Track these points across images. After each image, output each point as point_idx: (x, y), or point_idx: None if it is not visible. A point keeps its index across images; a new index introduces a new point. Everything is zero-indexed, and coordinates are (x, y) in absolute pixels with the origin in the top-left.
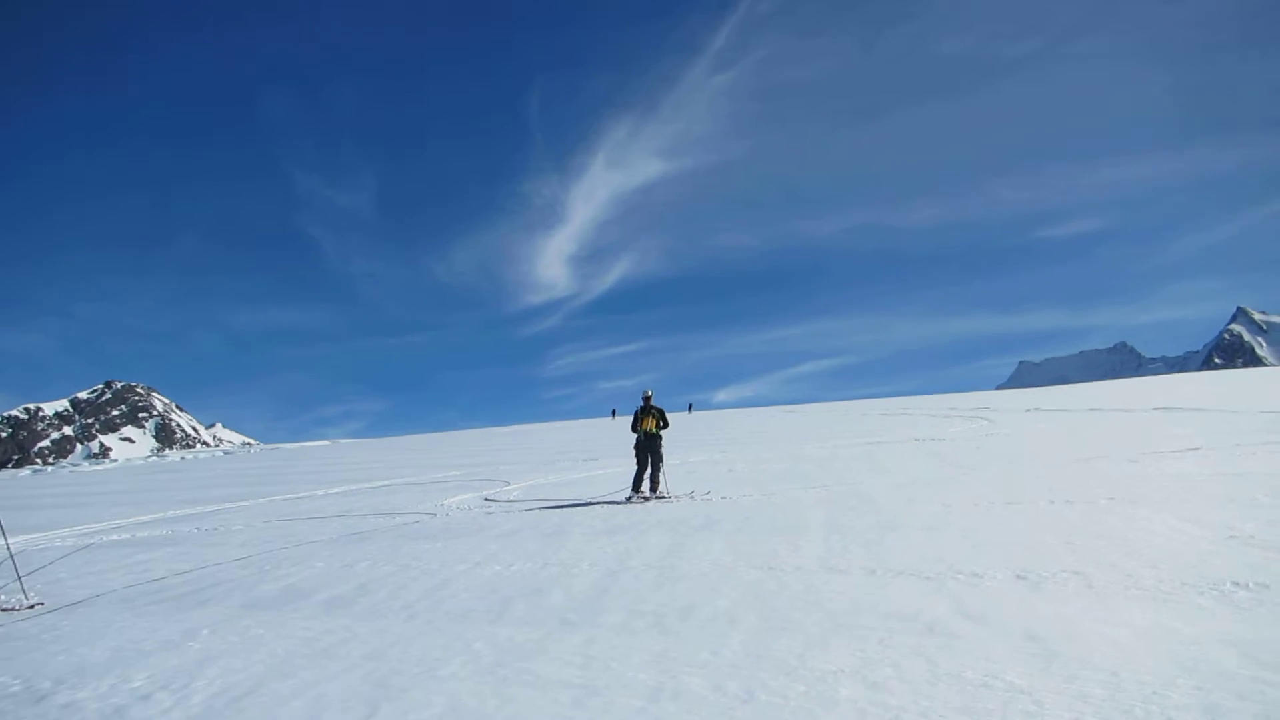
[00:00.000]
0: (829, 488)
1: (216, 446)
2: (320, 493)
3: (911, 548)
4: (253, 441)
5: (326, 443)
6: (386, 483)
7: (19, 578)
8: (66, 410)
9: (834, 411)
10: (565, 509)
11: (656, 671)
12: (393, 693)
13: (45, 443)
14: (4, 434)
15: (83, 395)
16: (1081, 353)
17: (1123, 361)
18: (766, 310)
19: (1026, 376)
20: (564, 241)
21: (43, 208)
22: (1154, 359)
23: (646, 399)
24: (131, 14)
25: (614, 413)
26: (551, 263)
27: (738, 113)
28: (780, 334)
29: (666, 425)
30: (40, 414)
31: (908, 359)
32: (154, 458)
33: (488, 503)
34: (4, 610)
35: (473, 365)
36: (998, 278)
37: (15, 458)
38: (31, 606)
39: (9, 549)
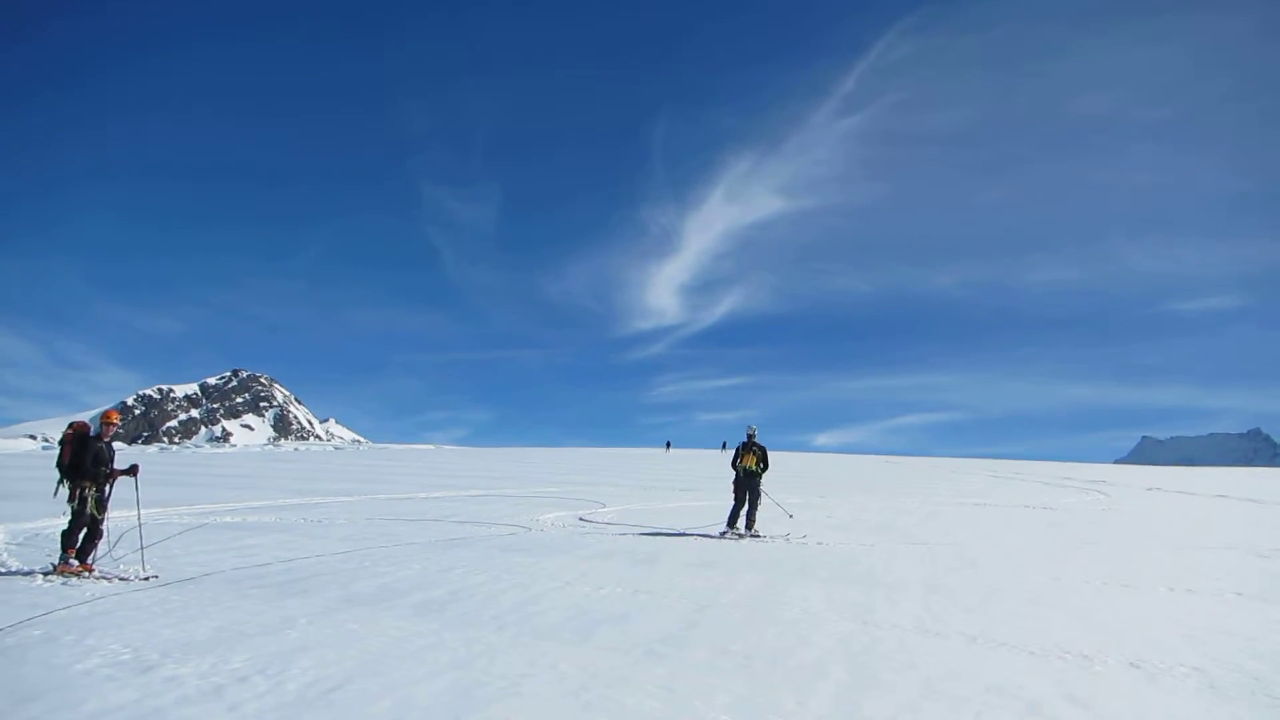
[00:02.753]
0: (930, 545)
1: (328, 441)
2: (421, 495)
3: (1016, 619)
4: (362, 439)
5: (431, 447)
6: (485, 492)
7: (141, 549)
8: (195, 394)
9: (939, 467)
10: (659, 537)
11: (740, 715)
12: (477, 704)
13: (173, 423)
14: (138, 410)
15: (211, 381)
16: (1212, 435)
17: (1256, 449)
18: (873, 357)
19: (1149, 453)
20: (676, 270)
21: (183, 203)
22: None
23: (750, 436)
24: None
25: (724, 445)
26: (662, 290)
27: (862, 156)
28: (886, 383)
29: (767, 466)
30: (171, 395)
31: (1019, 422)
32: (270, 446)
33: (582, 522)
34: (122, 579)
35: (577, 384)
36: (1122, 347)
37: (145, 434)
38: (147, 579)
39: (139, 520)
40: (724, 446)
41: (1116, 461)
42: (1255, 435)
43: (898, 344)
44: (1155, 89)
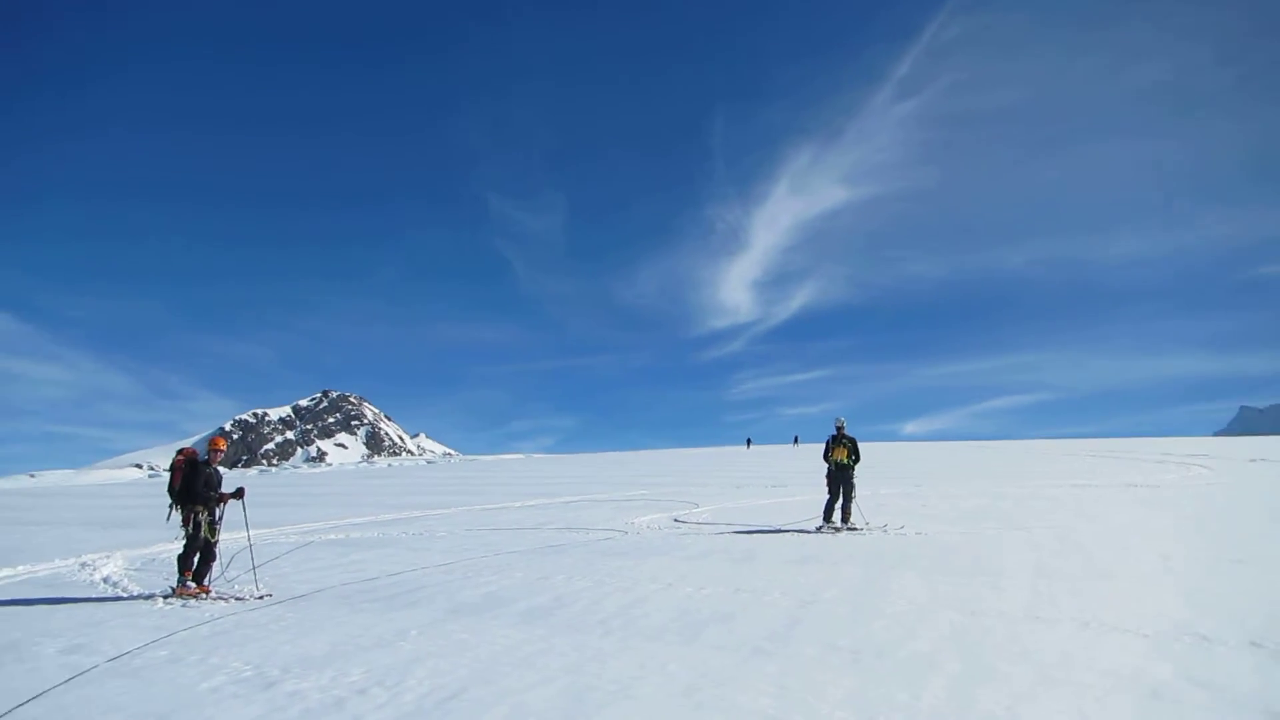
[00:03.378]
0: (1031, 530)
1: (420, 455)
2: (516, 504)
3: (1128, 601)
4: (453, 452)
5: (520, 456)
6: (577, 498)
7: (253, 568)
8: (289, 416)
9: (1032, 450)
10: (754, 534)
11: (854, 710)
12: (590, 709)
13: (270, 445)
14: (235, 435)
15: (303, 403)
16: None
17: None
18: (956, 341)
19: (1250, 423)
20: (747, 267)
21: (259, 227)
22: None
23: (839, 428)
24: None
25: (796, 439)
26: (735, 287)
27: (924, 140)
28: (970, 367)
29: (858, 457)
30: (266, 418)
31: (1110, 398)
32: (364, 464)
33: (677, 523)
34: (238, 599)
35: (656, 386)
36: (1212, 316)
37: (244, 458)
38: (261, 597)
39: (249, 541)
40: (795, 441)
41: (1216, 434)
42: None
43: (976, 327)
44: (1221, 50)
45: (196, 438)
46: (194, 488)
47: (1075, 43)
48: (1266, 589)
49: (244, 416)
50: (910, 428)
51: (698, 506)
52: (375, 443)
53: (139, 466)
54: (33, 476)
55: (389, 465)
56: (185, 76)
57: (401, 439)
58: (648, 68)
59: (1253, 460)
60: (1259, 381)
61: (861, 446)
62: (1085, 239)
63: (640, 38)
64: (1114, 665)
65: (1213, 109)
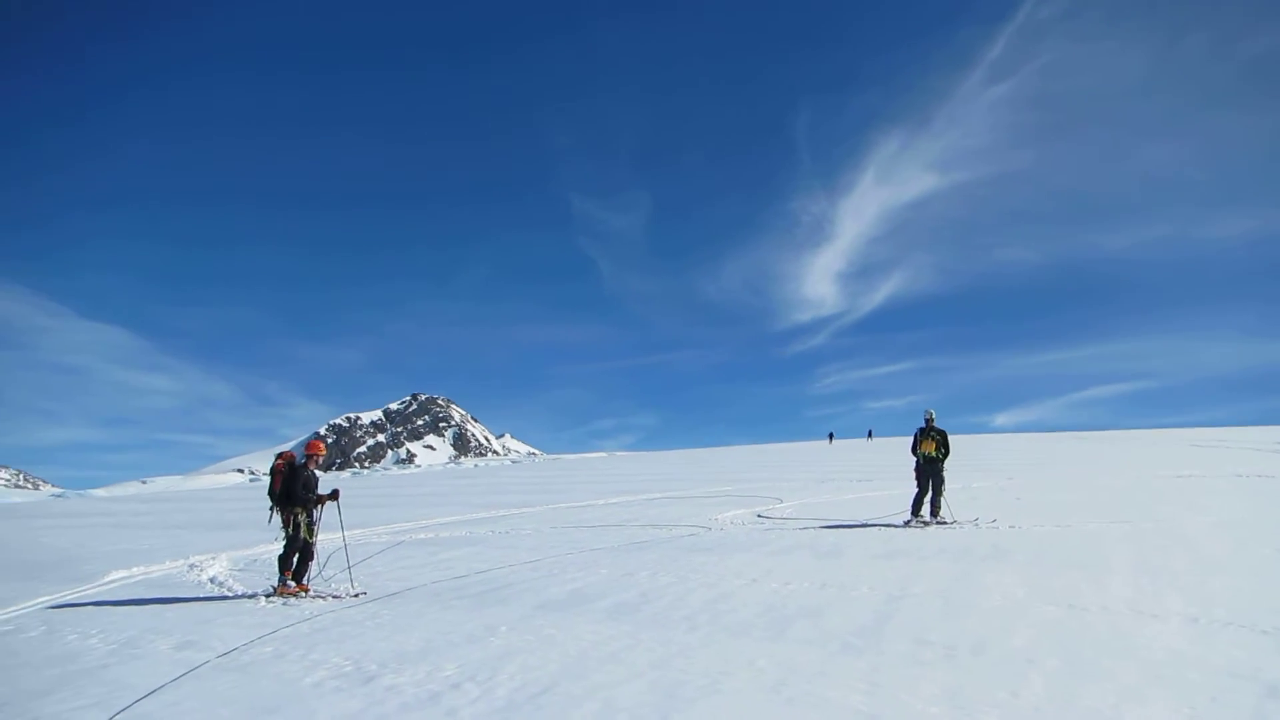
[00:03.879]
0: (1134, 523)
1: (505, 455)
2: (600, 502)
3: (1240, 595)
4: (537, 451)
5: (603, 454)
6: (660, 495)
7: (349, 567)
8: (380, 419)
9: (1133, 440)
10: (840, 529)
11: (949, 706)
12: (680, 704)
13: (362, 449)
14: (330, 439)
15: (393, 406)
16: None
17: None
18: (1050, 329)
19: None
20: (832, 258)
21: (348, 231)
22: None
23: (928, 421)
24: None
25: (870, 434)
26: (819, 280)
27: (1018, 123)
28: (1066, 355)
29: (948, 450)
30: (358, 422)
31: (1218, 386)
32: (452, 464)
33: (761, 519)
34: (334, 597)
35: (740, 381)
36: None
37: (338, 461)
38: (356, 595)
39: (345, 541)
40: (870, 435)
41: None
42: None
43: (1073, 314)
44: None
45: (294, 442)
46: (293, 490)
47: (1184, 12)
48: None
49: (338, 421)
50: (1001, 419)
51: (781, 502)
52: (462, 444)
53: (240, 471)
54: (144, 483)
55: (475, 466)
56: (277, 80)
57: (487, 439)
58: (731, 65)
59: None
60: None
61: (951, 439)
62: (1196, 218)
63: (723, 36)
64: (1228, 662)
65: None
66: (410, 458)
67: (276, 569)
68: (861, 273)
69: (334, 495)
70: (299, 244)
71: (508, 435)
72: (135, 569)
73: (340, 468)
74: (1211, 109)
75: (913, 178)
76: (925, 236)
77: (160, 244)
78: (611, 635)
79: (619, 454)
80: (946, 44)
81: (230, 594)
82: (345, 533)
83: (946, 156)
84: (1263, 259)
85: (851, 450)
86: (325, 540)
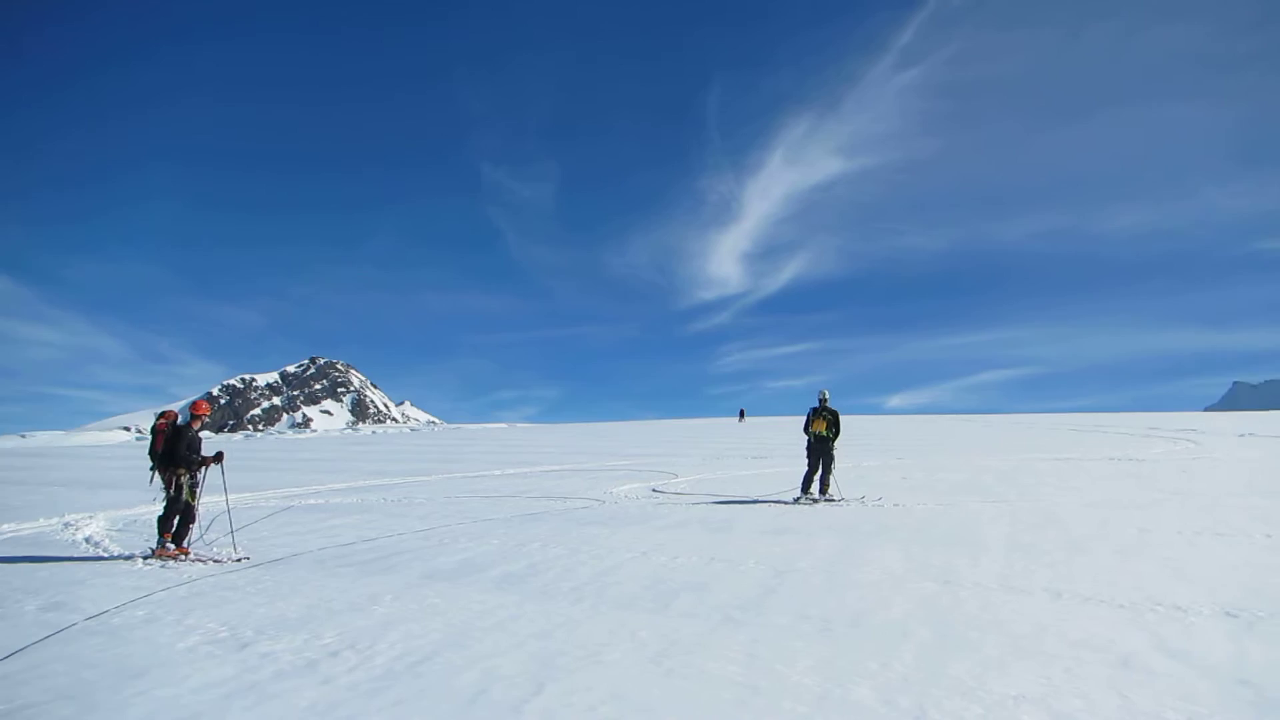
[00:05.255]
0: (1012, 503)
1: (404, 423)
2: (496, 473)
3: (1104, 573)
4: (437, 420)
5: (504, 425)
6: (558, 468)
7: (232, 531)
8: (276, 382)
9: (1018, 424)
10: (732, 505)
11: (822, 677)
12: (558, 673)
13: (256, 411)
14: (223, 400)
15: (290, 369)
16: None
17: None
18: (946, 315)
19: (1242, 399)
20: (738, 238)
21: (253, 193)
22: None
23: (822, 401)
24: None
25: (742, 413)
26: (725, 259)
27: (924, 110)
28: (960, 340)
29: (838, 430)
30: (254, 384)
31: (1101, 373)
32: (348, 430)
33: (655, 493)
34: (216, 561)
35: (643, 357)
36: (1209, 291)
37: (230, 423)
38: (239, 560)
39: (228, 504)
40: (741, 415)
41: (1207, 409)
42: None
43: (970, 301)
44: (1231, 22)
45: (184, 402)
46: (175, 451)
47: (1088, 8)
48: (1243, 561)
49: (232, 381)
50: (895, 401)
51: (676, 477)
52: (360, 410)
53: (127, 429)
54: (23, 437)
55: (373, 432)
56: (184, 43)
57: (386, 406)
58: (647, 38)
59: (1241, 435)
60: (1254, 356)
61: (845, 420)
62: (1086, 213)
63: (641, 8)
64: (1085, 635)
65: (1230, 79)
66: (306, 422)
67: (156, 531)
68: (767, 253)
69: (218, 458)
70: (201, 202)
71: (408, 403)
72: (5, 526)
73: (233, 430)
74: (1111, 102)
75: (820, 160)
76: (830, 220)
77: (48, 190)
78: (497, 605)
79: (520, 426)
80: (859, 27)
81: (106, 555)
82: (230, 496)
83: (854, 141)
84: (1148, 252)
85: (758, 428)
86: (209, 503)
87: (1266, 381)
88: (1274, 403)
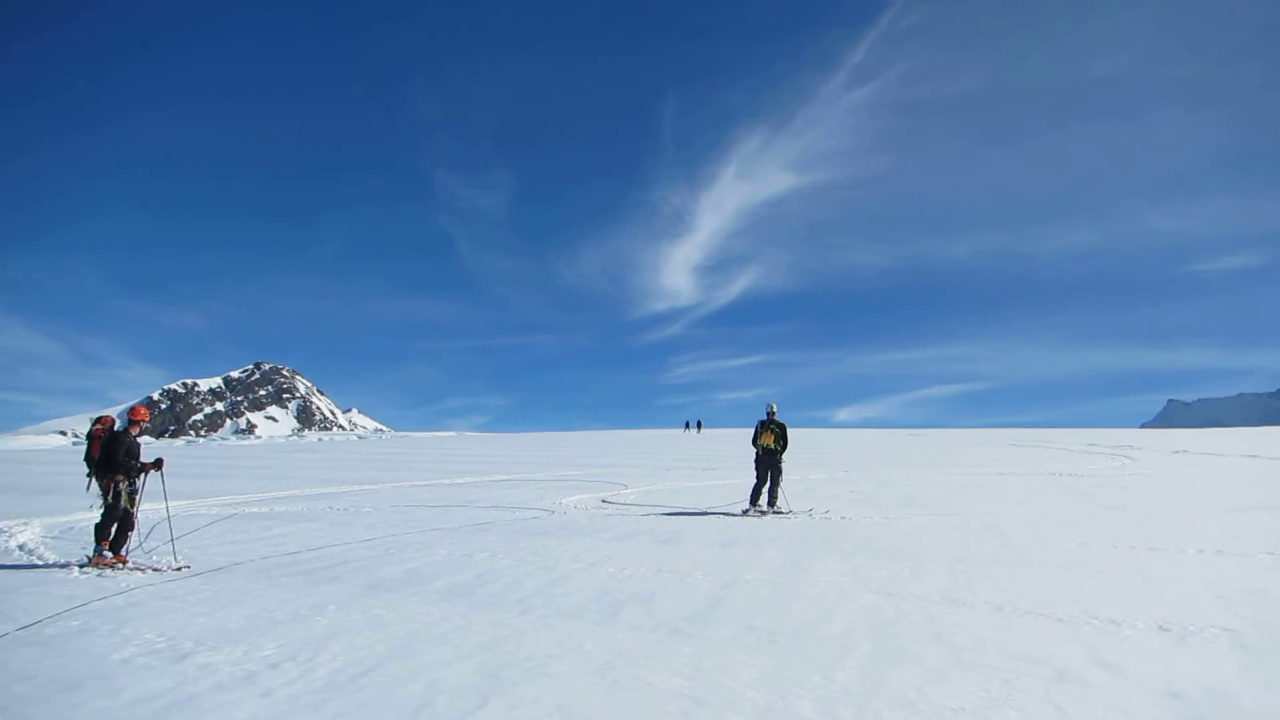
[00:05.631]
0: (955, 517)
1: (351, 430)
2: (445, 482)
3: (1043, 586)
4: (384, 428)
5: (453, 434)
6: (507, 477)
7: (173, 540)
8: (219, 387)
9: (962, 439)
10: (682, 516)
11: (767, 690)
12: (504, 685)
13: (199, 416)
14: (163, 405)
15: (235, 374)
16: (1240, 395)
17: None
18: (893, 330)
19: (1175, 416)
20: (690, 250)
21: (202, 198)
22: None
23: (770, 413)
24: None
25: (686, 425)
26: (676, 271)
27: (875, 128)
28: (906, 356)
29: (786, 443)
30: (196, 389)
31: (1042, 390)
32: (294, 437)
33: (605, 504)
34: (155, 570)
35: (594, 368)
36: (1145, 310)
37: (171, 428)
38: (179, 569)
39: (168, 512)
40: (686, 427)
41: (1143, 426)
42: None
43: (916, 317)
44: (1169, 48)
45: (123, 406)
46: (113, 457)
47: (1033, 33)
48: (1179, 575)
49: (173, 386)
50: (843, 414)
51: (626, 488)
52: (306, 417)
53: (63, 434)
54: None
55: (319, 440)
56: (131, 46)
57: (333, 414)
58: (603, 48)
59: (1176, 452)
60: (1187, 375)
61: (793, 433)
62: (1029, 230)
63: (597, 19)
64: (1025, 648)
65: (1162, 105)
66: (250, 428)
67: (93, 538)
68: (718, 266)
69: (158, 464)
70: (145, 207)
71: (355, 410)
72: None
73: (174, 435)
74: (1054, 125)
75: (772, 175)
76: (781, 234)
77: None
78: (443, 617)
79: (469, 434)
80: (812, 44)
81: (40, 563)
82: (170, 503)
83: (806, 157)
84: (1087, 271)
85: (709, 441)
86: (149, 510)
87: (1199, 400)
88: (1206, 420)
